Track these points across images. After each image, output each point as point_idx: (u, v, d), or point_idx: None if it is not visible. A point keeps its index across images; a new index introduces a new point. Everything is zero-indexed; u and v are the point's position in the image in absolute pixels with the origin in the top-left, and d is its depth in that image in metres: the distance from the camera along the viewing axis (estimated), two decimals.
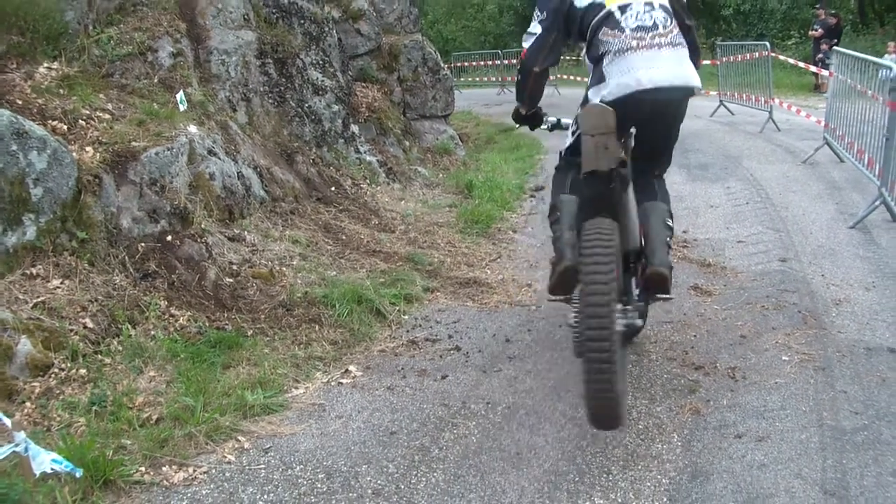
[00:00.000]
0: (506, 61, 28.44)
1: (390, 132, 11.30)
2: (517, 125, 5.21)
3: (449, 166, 12.00)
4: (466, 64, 32.83)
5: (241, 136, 7.71)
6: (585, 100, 4.41)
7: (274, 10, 9.21)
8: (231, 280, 5.96)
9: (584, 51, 4.50)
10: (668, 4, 4.41)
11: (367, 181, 9.35)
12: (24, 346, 4.40)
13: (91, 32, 7.36)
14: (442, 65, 13.25)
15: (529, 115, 5.01)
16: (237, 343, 5.18)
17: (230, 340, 5.19)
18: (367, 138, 10.49)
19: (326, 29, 10.04)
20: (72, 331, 4.73)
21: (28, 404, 4.18)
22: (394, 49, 12.53)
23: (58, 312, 4.77)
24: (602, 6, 4.34)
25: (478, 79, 31.05)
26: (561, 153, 4.91)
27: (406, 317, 6.07)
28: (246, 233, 6.66)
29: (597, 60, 4.35)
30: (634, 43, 4.23)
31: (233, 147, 7.33)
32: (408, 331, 5.83)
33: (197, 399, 4.42)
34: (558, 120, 5.02)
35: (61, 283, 5.02)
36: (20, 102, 5.98)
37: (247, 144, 7.69)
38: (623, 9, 4.31)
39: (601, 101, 4.11)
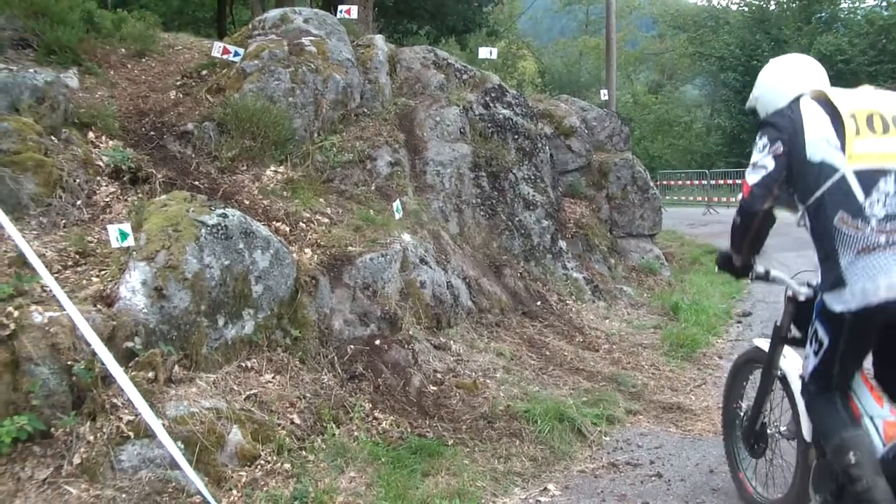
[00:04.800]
0: (713, 181, 28.07)
1: (596, 249, 11.23)
2: (718, 271, 4.41)
3: (654, 286, 11.77)
4: (672, 182, 32.73)
5: (451, 246, 7.86)
6: (822, 306, 3.62)
7: (489, 125, 9.45)
8: (435, 388, 6.00)
9: (805, 219, 3.69)
10: None
11: (573, 297, 9.29)
12: (235, 435, 4.55)
13: (315, 139, 7.80)
14: (651, 184, 13.13)
15: (740, 266, 4.16)
16: (437, 452, 5.16)
17: (431, 448, 5.18)
18: (573, 254, 10.45)
19: (539, 145, 10.20)
20: (279, 425, 4.86)
21: (234, 492, 4.29)
22: (603, 166, 12.55)
23: (268, 406, 4.93)
24: (834, 170, 3.50)
25: (683, 197, 30.71)
26: (803, 379, 3.97)
27: (607, 438, 5.89)
28: (452, 342, 6.72)
29: (828, 254, 3.53)
30: (883, 239, 3.39)
31: (443, 256, 7.47)
32: (608, 452, 5.65)
33: None
34: (767, 271, 4.14)
35: (273, 377, 5.19)
36: (247, 202, 6.34)
37: (457, 255, 7.82)
38: (867, 185, 3.45)
39: (844, 312, 3.48)
